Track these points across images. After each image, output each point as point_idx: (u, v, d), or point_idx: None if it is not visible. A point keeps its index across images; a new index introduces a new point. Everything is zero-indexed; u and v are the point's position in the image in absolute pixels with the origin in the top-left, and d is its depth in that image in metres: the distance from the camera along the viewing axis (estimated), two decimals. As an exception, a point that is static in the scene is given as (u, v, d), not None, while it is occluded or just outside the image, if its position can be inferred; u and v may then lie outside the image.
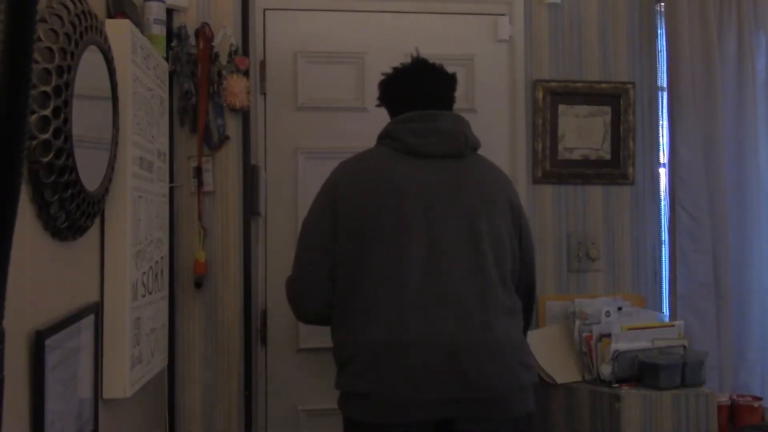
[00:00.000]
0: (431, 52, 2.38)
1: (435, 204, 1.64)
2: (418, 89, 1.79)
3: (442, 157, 1.70)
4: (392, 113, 1.83)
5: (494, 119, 2.43)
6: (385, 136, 1.77)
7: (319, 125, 2.41)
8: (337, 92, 2.42)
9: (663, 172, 2.55)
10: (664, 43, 2.52)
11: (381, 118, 2.38)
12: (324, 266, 1.67)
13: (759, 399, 2.23)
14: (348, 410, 1.66)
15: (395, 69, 1.86)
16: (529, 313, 1.82)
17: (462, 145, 1.72)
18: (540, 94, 2.46)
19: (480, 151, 2.27)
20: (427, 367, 1.55)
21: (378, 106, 1.90)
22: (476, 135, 2.31)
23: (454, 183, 1.68)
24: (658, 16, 2.56)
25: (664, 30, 2.54)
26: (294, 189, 2.39)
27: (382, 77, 1.87)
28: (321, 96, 2.42)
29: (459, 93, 2.37)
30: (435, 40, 2.38)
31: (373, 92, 2.40)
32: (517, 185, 2.48)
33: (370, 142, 2.36)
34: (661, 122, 2.56)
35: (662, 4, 2.54)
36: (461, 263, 1.61)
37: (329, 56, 2.42)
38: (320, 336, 2.35)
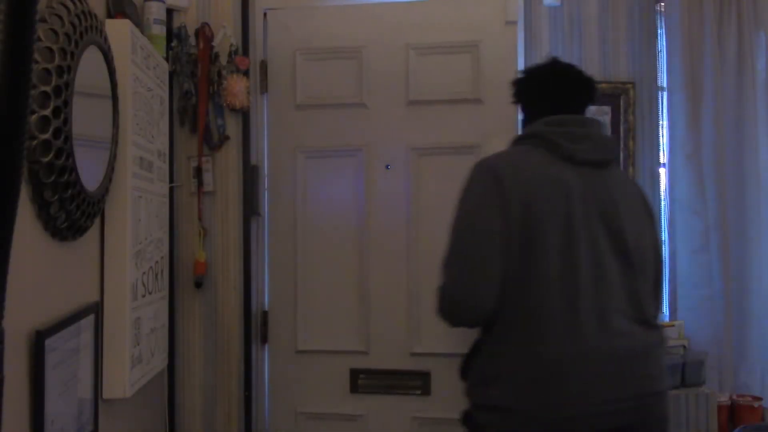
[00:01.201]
0: (432, 40, 2.34)
1: (592, 212, 1.58)
2: (564, 92, 1.73)
3: (593, 164, 1.64)
4: (532, 113, 1.75)
5: (502, 110, 2.27)
6: (533, 137, 1.67)
7: (319, 123, 2.38)
8: (336, 89, 2.38)
9: (663, 172, 2.55)
10: (664, 43, 2.52)
11: (381, 114, 2.37)
12: (498, 265, 1.52)
13: (759, 399, 2.22)
14: (497, 425, 1.52)
15: (534, 69, 1.80)
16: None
17: (611, 154, 1.69)
18: None
19: (490, 147, 2.22)
20: (600, 383, 1.49)
21: (515, 103, 1.85)
22: (482, 128, 2.29)
23: (604, 192, 1.62)
24: (658, 16, 2.56)
25: (664, 30, 2.53)
26: (294, 188, 2.38)
27: (520, 75, 1.81)
28: (320, 93, 2.38)
29: (463, 82, 2.32)
30: (436, 27, 2.34)
31: (372, 87, 2.37)
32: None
33: (371, 138, 2.35)
34: (661, 122, 2.56)
35: (662, 4, 2.53)
36: (618, 275, 1.57)
37: (327, 52, 2.38)
38: (319, 338, 2.34)
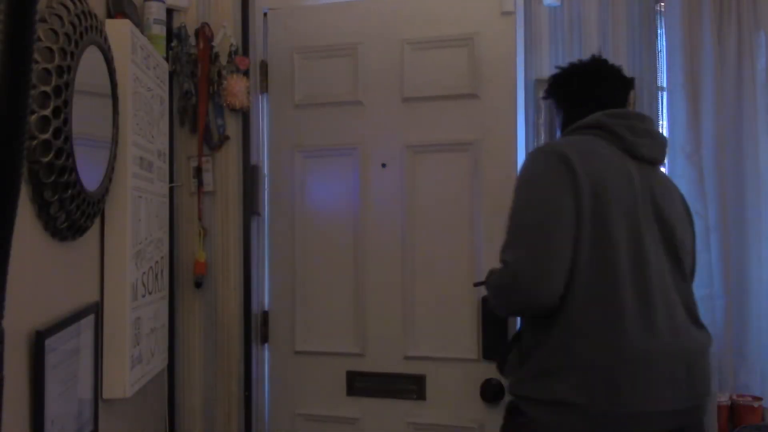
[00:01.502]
0: (427, 35, 2.25)
1: (649, 209, 1.56)
2: (612, 90, 1.73)
3: (649, 161, 1.63)
4: (576, 110, 1.72)
5: (499, 104, 2.22)
6: (594, 127, 1.63)
7: (317, 122, 2.35)
8: (333, 87, 2.34)
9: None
10: (664, 43, 2.52)
11: (377, 111, 2.31)
12: (570, 247, 1.45)
13: (759, 399, 2.22)
14: (553, 420, 1.46)
15: (579, 66, 1.79)
16: None
17: (665, 153, 1.69)
18: (540, 94, 2.45)
19: (486, 144, 2.21)
20: (669, 381, 1.47)
21: (546, 98, 1.85)
22: (479, 124, 2.23)
23: (657, 190, 1.60)
24: (658, 16, 2.56)
25: (664, 30, 2.54)
26: (292, 188, 2.36)
27: (561, 71, 1.79)
28: (317, 92, 2.35)
29: (459, 77, 2.25)
30: (431, 21, 2.28)
31: (368, 84, 2.31)
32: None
33: (367, 137, 2.29)
34: (660, 122, 2.56)
35: (662, 4, 2.54)
36: (671, 272, 1.55)
37: (324, 50, 2.34)
38: (317, 339, 2.31)
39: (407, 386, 2.25)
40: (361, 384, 2.29)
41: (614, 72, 1.77)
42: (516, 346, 1.64)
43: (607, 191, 1.50)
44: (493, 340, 2.13)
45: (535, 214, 1.50)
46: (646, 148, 1.62)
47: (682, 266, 1.58)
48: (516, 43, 2.26)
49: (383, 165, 2.29)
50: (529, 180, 1.55)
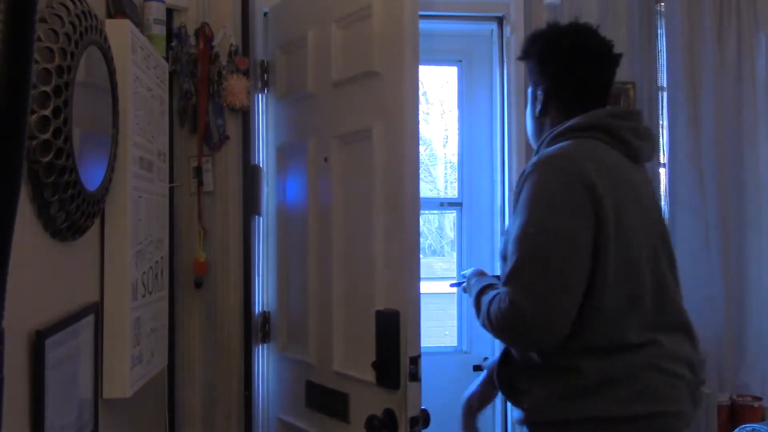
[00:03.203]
0: (347, 9, 1.91)
1: (657, 227, 1.50)
2: (607, 76, 1.55)
3: (643, 163, 1.54)
4: (580, 102, 1.53)
5: (395, 82, 1.75)
6: (599, 130, 1.47)
7: (289, 118, 2.25)
8: (296, 80, 2.18)
9: (663, 172, 2.55)
10: (664, 43, 2.52)
11: (321, 101, 2.03)
12: (582, 286, 1.36)
13: (759, 399, 2.23)
14: None
15: (589, 37, 1.56)
16: None
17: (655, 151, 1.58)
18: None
19: (381, 127, 1.79)
20: (683, 379, 1.45)
21: (523, 59, 1.65)
22: (378, 106, 1.81)
23: (651, 192, 1.54)
24: (658, 16, 2.56)
25: (664, 30, 2.54)
26: (275, 188, 2.31)
27: (563, 35, 1.58)
28: (289, 87, 2.24)
29: (365, 52, 1.84)
30: None
31: (314, 73, 2.07)
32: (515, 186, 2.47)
33: (314, 129, 2.06)
34: (661, 122, 2.56)
35: (662, 4, 2.54)
36: (675, 290, 1.51)
37: (290, 43, 2.22)
38: (292, 344, 2.19)
39: (337, 405, 1.93)
40: (311, 396, 2.07)
41: (610, 49, 1.57)
42: (508, 369, 1.53)
43: (628, 216, 1.40)
44: (387, 363, 1.70)
45: (548, 245, 1.36)
46: (646, 151, 1.53)
47: (677, 279, 1.53)
48: (411, 4, 1.73)
49: (325, 159, 2.02)
50: (542, 202, 1.39)
